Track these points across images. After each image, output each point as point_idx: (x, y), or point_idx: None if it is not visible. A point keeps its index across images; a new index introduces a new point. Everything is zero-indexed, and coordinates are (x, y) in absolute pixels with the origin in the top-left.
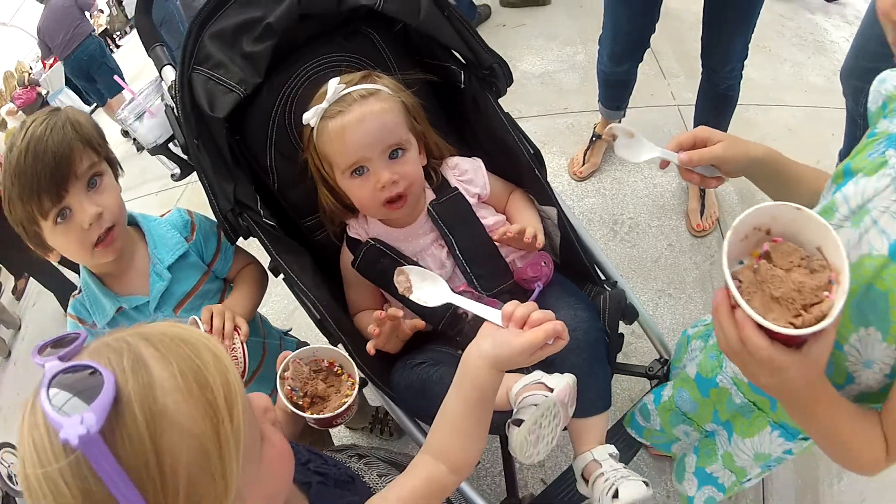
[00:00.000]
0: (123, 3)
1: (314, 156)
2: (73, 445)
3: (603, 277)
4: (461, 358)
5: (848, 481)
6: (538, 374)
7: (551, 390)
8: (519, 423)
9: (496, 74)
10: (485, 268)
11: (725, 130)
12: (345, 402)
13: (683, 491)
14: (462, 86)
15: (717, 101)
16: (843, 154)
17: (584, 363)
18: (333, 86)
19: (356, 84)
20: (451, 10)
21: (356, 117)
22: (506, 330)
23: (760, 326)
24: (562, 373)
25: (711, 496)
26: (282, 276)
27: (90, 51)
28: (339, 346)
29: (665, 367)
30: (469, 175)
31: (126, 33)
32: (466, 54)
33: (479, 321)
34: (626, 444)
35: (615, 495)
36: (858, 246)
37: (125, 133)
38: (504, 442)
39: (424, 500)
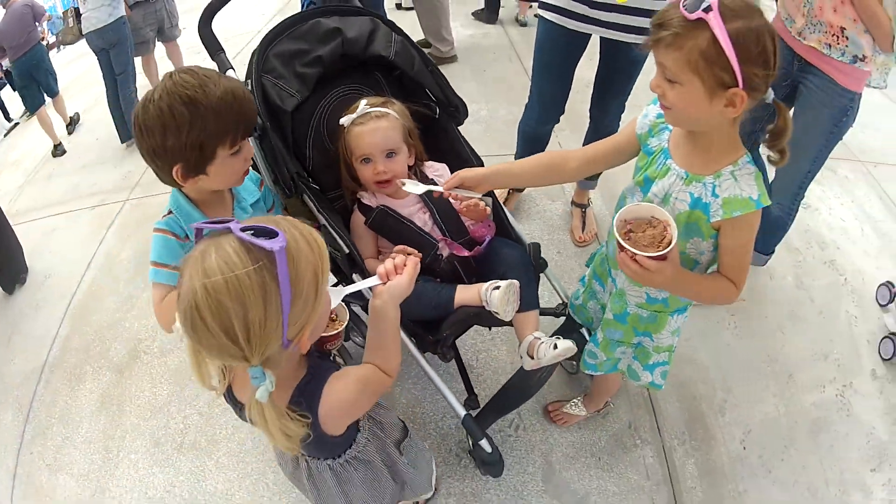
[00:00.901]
0: (81, 19)
1: (343, 145)
2: (275, 250)
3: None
4: (373, 307)
5: (732, 415)
6: (495, 281)
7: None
8: (497, 288)
9: (459, 111)
10: (453, 226)
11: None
12: (336, 330)
13: (644, 383)
14: (436, 116)
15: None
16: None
17: (522, 277)
18: (362, 104)
19: (376, 106)
20: (432, 66)
21: (371, 129)
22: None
23: (646, 258)
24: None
25: (662, 371)
26: None
27: (37, 56)
28: (354, 275)
29: (565, 308)
30: (440, 172)
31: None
32: (440, 96)
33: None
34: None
35: (555, 347)
36: (674, 210)
37: (56, 149)
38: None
39: (369, 384)
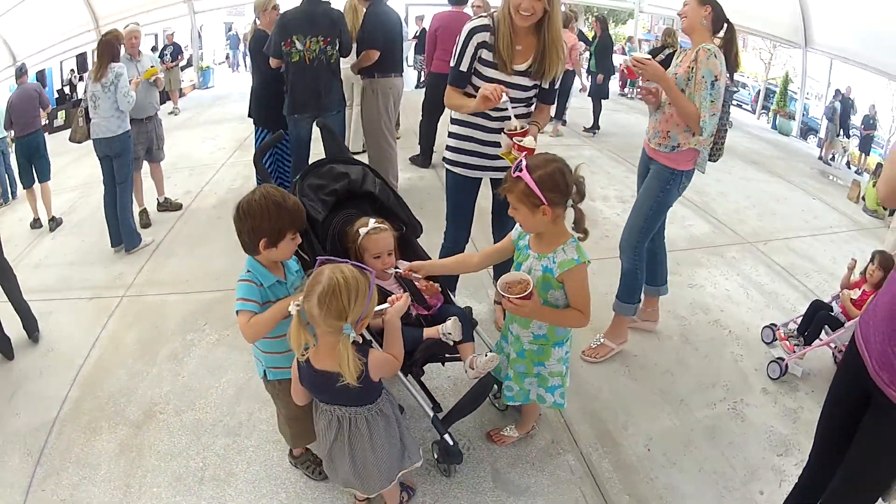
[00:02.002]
0: (91, 124)
1: (358, 246)
2: (372, 274)
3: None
4: (385, 320)
5: (634, 430)
6: (448, 322)
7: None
8: (448, 320)
9: (416, 229)
10: (416, 297)
11: None
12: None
13: (549, 403)
14: (404, 230)
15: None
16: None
17: (462, 320)
18: (371, 222)
19: (381, 224)
20: (400, 199)
21: (383, 237)
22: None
23: (515, 299)
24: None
25: (560, 392)
26: None
27: (36, 141)
28: None
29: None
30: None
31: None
32: (405, 218)
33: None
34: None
35: (485, 356)
36: (535, 276)
37: (35, 222)
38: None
39: (388, 361)
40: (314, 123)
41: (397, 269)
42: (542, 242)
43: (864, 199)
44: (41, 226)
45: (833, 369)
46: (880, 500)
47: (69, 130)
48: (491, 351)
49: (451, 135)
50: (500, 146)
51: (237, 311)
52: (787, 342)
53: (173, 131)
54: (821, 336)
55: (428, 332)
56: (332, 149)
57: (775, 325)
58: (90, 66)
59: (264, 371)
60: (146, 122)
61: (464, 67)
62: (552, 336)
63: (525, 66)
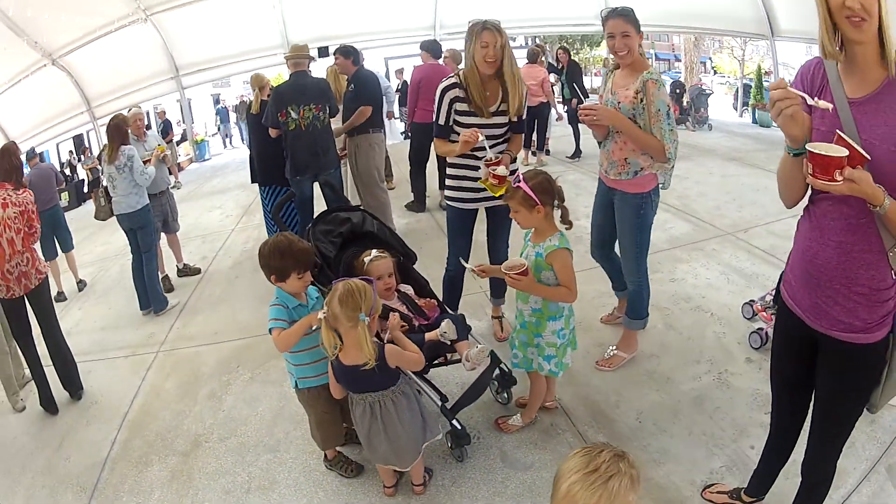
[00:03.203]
0: (112, 202)
1: (362, 272)
2: (373, 282)
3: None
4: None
5: (624, 407)
6: (443, 323)
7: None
8: (444, 321)
9: (411, 258)
10: (416, 311)
11: (505, 290)
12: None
13: (546, 370)
14: (401, 259)
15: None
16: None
17: (456, 322)
18: (374, 252)
19: (381, 253)
20: (396, 235)
21: (383, 262)
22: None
23: (514, 275)
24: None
25: (556, 362)
26: None
27: (58, 215)
28: None
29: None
30: (407, 289)
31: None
32: (402, 250)
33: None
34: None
35: (476, 347)
36: (530, 260)
37: (59, 295)
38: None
39: (407, 356)
40: (314, 182)
41: (470, 268)
42: (537, 235)
43: None
44: (65, 299)
45: None
46: (866, 411)
47: (92, 209)
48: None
49: (448, 176)
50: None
51: (270, 330)
52: (765, 313)
53: (179, 204)
54: None
55: (429, 336)
56: (333, 201)
57: (753, 301)
58: (91, 148)
59: (295, 382)
60: (160, 196)
61: (442, 121)
62: (546, 311)
63: (496, 107)
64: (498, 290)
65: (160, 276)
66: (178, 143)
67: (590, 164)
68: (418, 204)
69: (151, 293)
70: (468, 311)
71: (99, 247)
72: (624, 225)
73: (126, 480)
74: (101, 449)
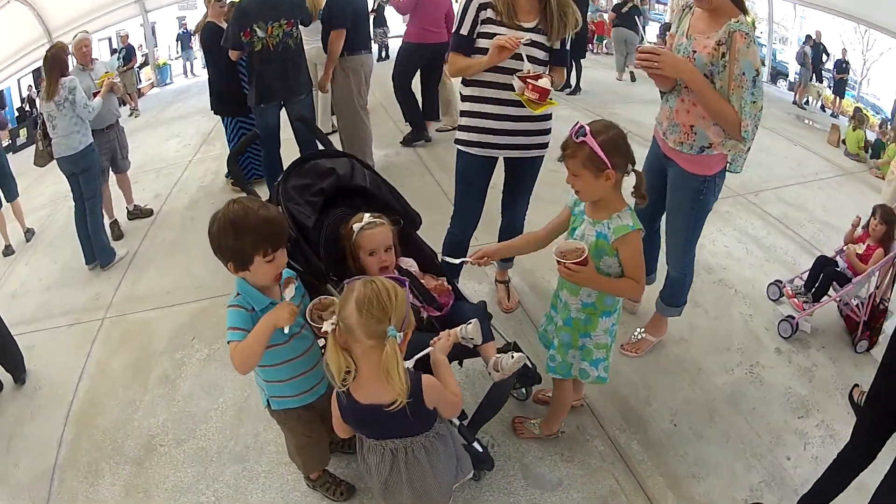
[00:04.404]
0: (52, 144)
1: (352, 244)
2: (406, 284)
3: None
4: (433, 360)
5: (657, 404)
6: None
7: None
8: (469, 323)
9: (415, 220)
10: (426, 298)
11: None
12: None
13: (593, 377)
14: (402, 223)
15: (511, 234)
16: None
17: (481, 320)
18: (366, 216)
19: (375, 218)
20: (396, 191)
21: (377, 232)
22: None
23: (571, 263)
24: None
25: (604, 366)
26: None
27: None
28: None
29: (510, 346)
30: (410, 263)
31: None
32: (401, 210)
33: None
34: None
35: (511, 357)
36: (588, 242)
37: (7, 249)
38: None
39: (448, 399)
40: (281, 111)
41: (465, 261)
42: (598, 209)
43: (844, 143)
44: (13, 252)
45: (839, 323)
46: None
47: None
48: (509, 345)
49: (463, 113)
50: (516, 121)
51: (228, 342)
52: (796, 299)
53: (136, 133)
54: (829, 292)
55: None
56: (307, 141)
57: (780, 282)
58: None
59: (267, 400)
60: (107, 131)
61: (465, 31)
62: (601, 305)
63: (532, 24)
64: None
65: (108, 222)
66: (139, 69)
67: (589, 102)
68: (418, 132)
69: (97, 245)
70: (464, 273)
71: (49, 187)
72: (678, 206)
73: (77, 496)
74: (49, 452)
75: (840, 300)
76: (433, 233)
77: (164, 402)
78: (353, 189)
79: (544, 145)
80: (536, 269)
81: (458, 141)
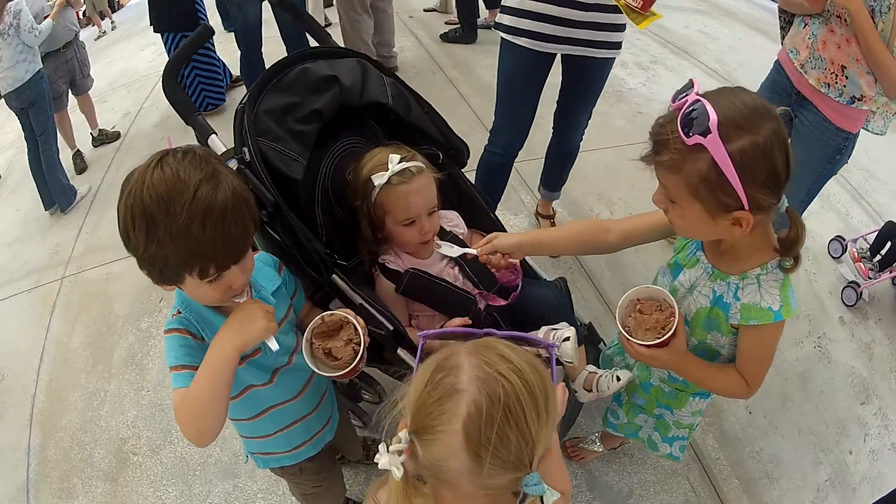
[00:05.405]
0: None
1: (372, 206)
2: (552, 351)
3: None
4: None
5: (754, 450)
6: (550, 327)
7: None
8: (567, 339)
9: (461, 153)
10: (484, 277)
11: (566, 179)
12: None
13: (663, 453)
14: (441, 161)
15: (565, 158)
16: None
17: (568, 318)
18: (395, 159)
19: (408, 160)
20: (429, 107)
21: (417, 188)
22: None
23: (641, 346)
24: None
25: (681, 445)
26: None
27: None
28: (400, 350)
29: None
30: (454, 222)
31: None
32: (440, 139)
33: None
34: None
35: (617, 379)
36: (696, 303)
37: None
38: None
39: None
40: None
41: (467, 253)
42: (726, 250)
43: None
44: None
45: (892, 292)
46: None
47: None
48: (584, 327)
49: None
50: (584, 8)
51: (173, 389)
52: (862, 264)
53: (108, 48)
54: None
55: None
56: (294, 37)
57: (843, 239)
58: None
59: (248, 456)
60: (63, 51)
61: None
62: (694, 385)
63: None
64: (553, 174)
65: (72, 154)
66: None
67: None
68: (469, 30)
69: (53, 186)
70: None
71: (13, 125)
72: (807, 161)
73: None
74: (20, 464)
75: None
76: None
77: (132, 392)
78: (365, 108)
79: (617, 45)
80: (586, 198)
81: (502, 27)
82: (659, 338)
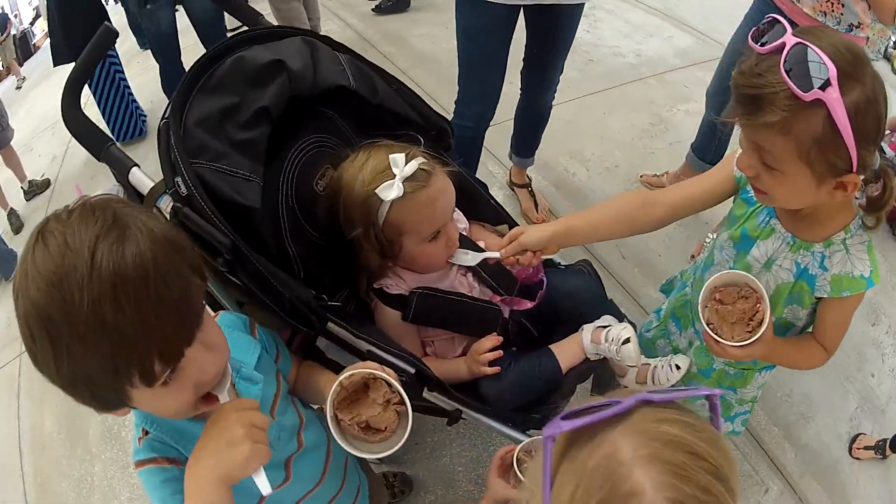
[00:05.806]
0: None
1: (377, 229)
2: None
3: None
4: None
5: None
6: (597, 329)
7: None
8: (627, 341)
9: (445, 132)
10: (502, 279)
11: (539, 143)
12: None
13: (724, 432)
14: (421, 146)
15: (537, 121)
16: (697, 147)
17: (609, 309)
18: (400, 160)
19: (414, 157)
20: (397, 82)
21: (439, 189)
22: None
23: (732, 347)
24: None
25: (743, 419)
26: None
27: None
28: (426, 393)
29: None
30: (457, 218)
31: None
32: (417, 120)
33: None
34: None
35: (677, 367)
36: (776, 279)
37: None
38: None
39: None
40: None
41: (490, 257)
42: (805, 213)
43: None
44: None
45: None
46: None
47: None
48: (623, 317)
49: None
50: None
51: None
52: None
53: (29, 93)
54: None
55: (566, 356)
56: (211, 31)
57: None
58: None
59: None
60: None
61: None
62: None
63: None
64: (526, 139)
65: (5, 215)
66: (31, 24)
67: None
68: (400, 1)
69: None
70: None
71: None
72: None
73: None
74: None
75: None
76: None
77: (119, 472)
78: (322, 97)
79: None
80: (557, 159)
81: None
82: (750, 332)
